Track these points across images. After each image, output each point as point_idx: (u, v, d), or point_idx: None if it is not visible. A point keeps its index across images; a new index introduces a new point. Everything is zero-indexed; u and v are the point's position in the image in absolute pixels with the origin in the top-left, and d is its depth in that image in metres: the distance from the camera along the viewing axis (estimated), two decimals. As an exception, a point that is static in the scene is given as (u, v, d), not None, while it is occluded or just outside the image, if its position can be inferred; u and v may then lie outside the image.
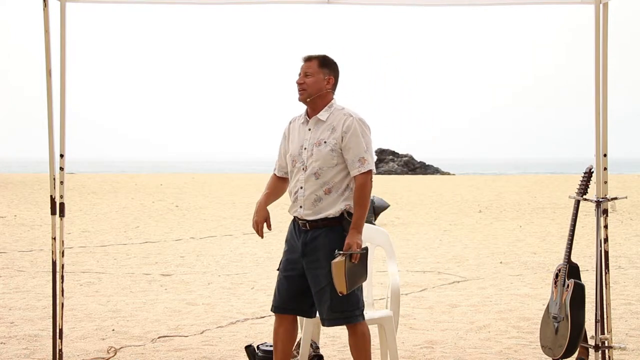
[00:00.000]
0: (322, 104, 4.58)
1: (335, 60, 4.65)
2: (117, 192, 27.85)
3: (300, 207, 4.53)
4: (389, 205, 16.64)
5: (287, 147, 4.71)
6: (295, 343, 4.82)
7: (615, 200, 5.28)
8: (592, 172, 5.25)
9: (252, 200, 23.43)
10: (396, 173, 54.30)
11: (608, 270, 5.16)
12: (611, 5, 5.13)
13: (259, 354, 5.33)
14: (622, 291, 8.54)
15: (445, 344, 6.24)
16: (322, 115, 4.56)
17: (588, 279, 6.09)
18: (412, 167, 57.27)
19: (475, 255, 11.89)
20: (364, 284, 5.31)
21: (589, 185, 5.31)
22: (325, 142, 4.49)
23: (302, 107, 4.68)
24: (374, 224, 13.54)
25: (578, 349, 5.16)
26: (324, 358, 5.55)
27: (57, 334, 5.28)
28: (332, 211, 4.46)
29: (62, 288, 5.30)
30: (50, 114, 5.11)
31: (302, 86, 4.56)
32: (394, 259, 5.47)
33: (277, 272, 4.70)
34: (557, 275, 5.24)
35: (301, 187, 4.53)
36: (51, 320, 5.61)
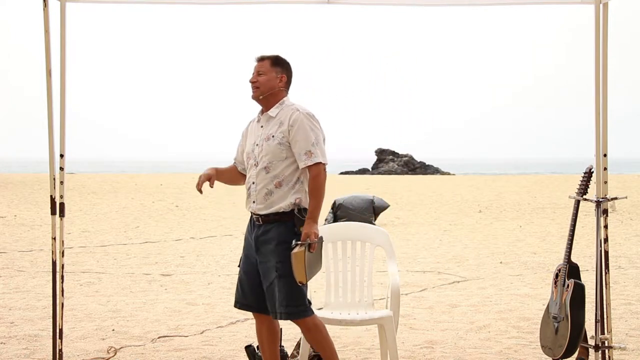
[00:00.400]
0: (274, 102, 4.66)
1: (288, 60, 4.72)
2: (117, 192, 27.85)
3: (254, 202, 4.61)
4: (388, 205, 16.63)
5: (244, 145, 4.80)
6: (296, 343, 4.81)
7: (615, 200, 5.28)
8: (592, 172, 5.24)
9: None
10: (396, 173, 54.35)
11: (608, 270, 5.16)
12: (611, 5, 5.14)
13: (259, 353, 5.33)
14: (622, 291, 8.53)
15: (445, 344, 6.24)
16: (273, 111, 4.64)
17: (588, 279, 6.09)
18: (412, 167, 57.33)
19: (475, 255, 11.89)
20: (365, 285, 5.30)
21: (589, 185, 5.31)
22: (273, 137, 4.56)
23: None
24: (374, 224, 13.54)
25: (578, 349, 5.16)
26: (324, 358, 5.54)
27: (57, 334, 5.28)
28: (283, 204, 4.51)
29: (62, 288, 5.30)
30: (50, 114, 5.11)
31: (255, 84, 4.65)
32: (394, 259, 5.46)
33: (238, 268, 4.78)
34: (557, 275, 5.24)
35: (253, 182, 4.61)
36: (51, 320, 5.62)
